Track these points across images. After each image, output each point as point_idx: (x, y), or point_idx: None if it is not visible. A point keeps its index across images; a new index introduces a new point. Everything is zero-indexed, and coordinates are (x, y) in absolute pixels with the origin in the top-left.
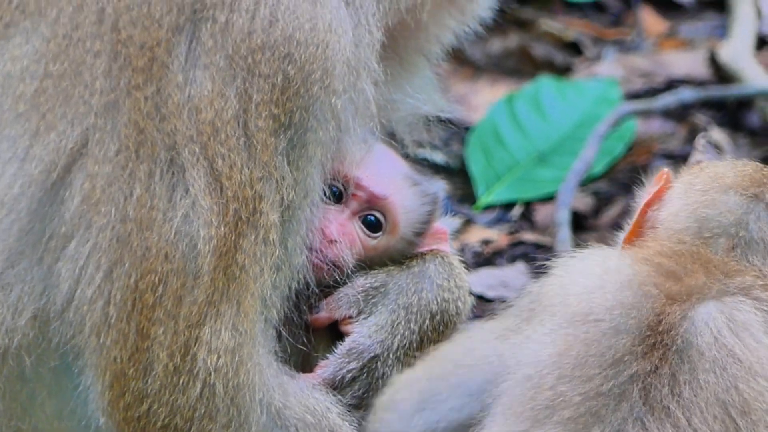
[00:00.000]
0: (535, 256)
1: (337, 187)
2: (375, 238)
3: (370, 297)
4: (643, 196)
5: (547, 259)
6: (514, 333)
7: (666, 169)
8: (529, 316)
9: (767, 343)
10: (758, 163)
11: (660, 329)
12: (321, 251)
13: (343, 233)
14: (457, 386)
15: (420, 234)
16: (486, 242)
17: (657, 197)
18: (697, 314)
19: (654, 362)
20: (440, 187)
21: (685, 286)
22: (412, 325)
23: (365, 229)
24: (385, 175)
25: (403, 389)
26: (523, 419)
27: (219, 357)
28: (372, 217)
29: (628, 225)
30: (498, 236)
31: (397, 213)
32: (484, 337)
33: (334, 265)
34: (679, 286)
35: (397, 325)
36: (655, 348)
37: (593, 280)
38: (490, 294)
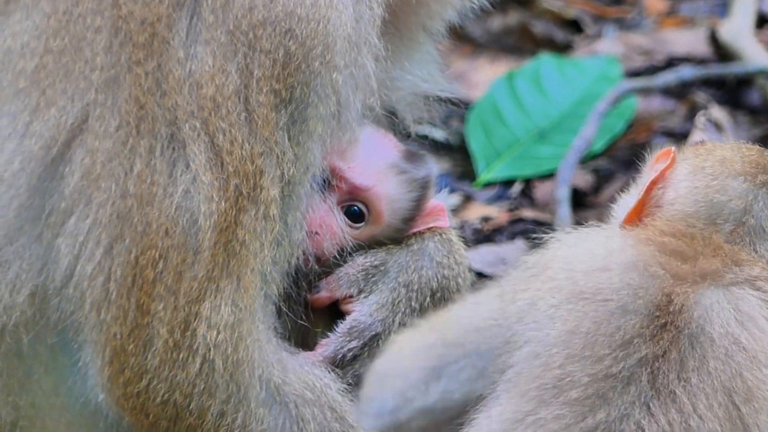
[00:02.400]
0: (535, 233)
1: (322, 177)
2: (357, 228)
3: (370, 276)
4: (647, 173)
5: (547, 236)
6: (519, 295)
7: (672, 147)
8: (529, 284)
9: None
10: (760, 147)
11: (670, 309)
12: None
13: (323, 224)
14: (471, 354)
15: (410, 219)
16: (486, 219)
17: (662, 176)
18: (706, 299)
19: (664, 345)
20: (432, 168)
21: (698, 267)
22: (413, 303)
23: (347, 220)
24: (369, 164)
25: (412, 355)
26: (528, 399)
27: (219, 332)
28: (355, 208)
29: (627, 201)
30: (498, 213)
31: (381, 204)
32: (489, 300)
33: (315, 258)
34: (689, 266)
35: (398, 303)
36: (666, 329)
37: (598, 260)
38: (489, 271)
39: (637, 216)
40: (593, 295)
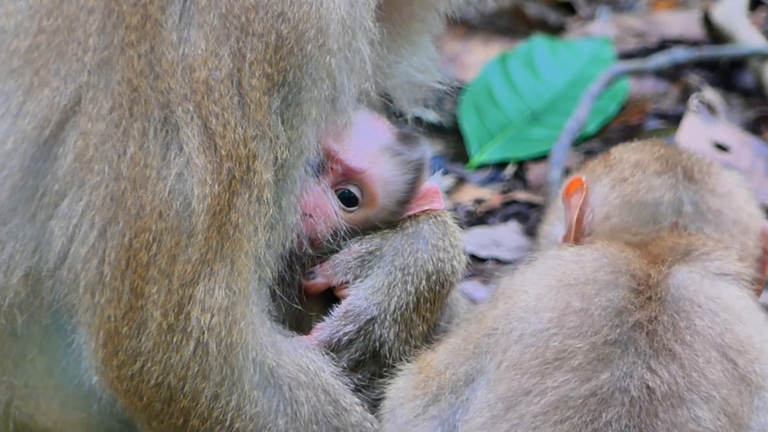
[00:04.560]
0: (528, 215)
1: (316, 160)
2: (351, 211)
3: (365, 261)
4: (561, 205)
5: (540, 218)
6: (489, 314)
7: (578, 176)
8: (497, 303)
9: (742, 296)
10: (658, 141)
11: (650, 283)
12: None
13: (316, 207)
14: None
15: (404, 202)
16: (479, 201)
17: (585, 205)
18: (677, 272)
19: (654, 310)
20: (426, 150)
21: (653, 254)
22: (408, 287)
23: (341, 203)
24: (364, 147)
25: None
26: (531, 375)
27: (212, 316)
28: (348, 192)
29: (550, 232)
30: (491, 195)
31: (375, 186)
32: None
33: (309, 240)
34: (650, 251)
35: (394, 286)
36: (652, 300)
37: (568, 257)
38: (482, 253)
39: (571, 240)
40: (575, 279)
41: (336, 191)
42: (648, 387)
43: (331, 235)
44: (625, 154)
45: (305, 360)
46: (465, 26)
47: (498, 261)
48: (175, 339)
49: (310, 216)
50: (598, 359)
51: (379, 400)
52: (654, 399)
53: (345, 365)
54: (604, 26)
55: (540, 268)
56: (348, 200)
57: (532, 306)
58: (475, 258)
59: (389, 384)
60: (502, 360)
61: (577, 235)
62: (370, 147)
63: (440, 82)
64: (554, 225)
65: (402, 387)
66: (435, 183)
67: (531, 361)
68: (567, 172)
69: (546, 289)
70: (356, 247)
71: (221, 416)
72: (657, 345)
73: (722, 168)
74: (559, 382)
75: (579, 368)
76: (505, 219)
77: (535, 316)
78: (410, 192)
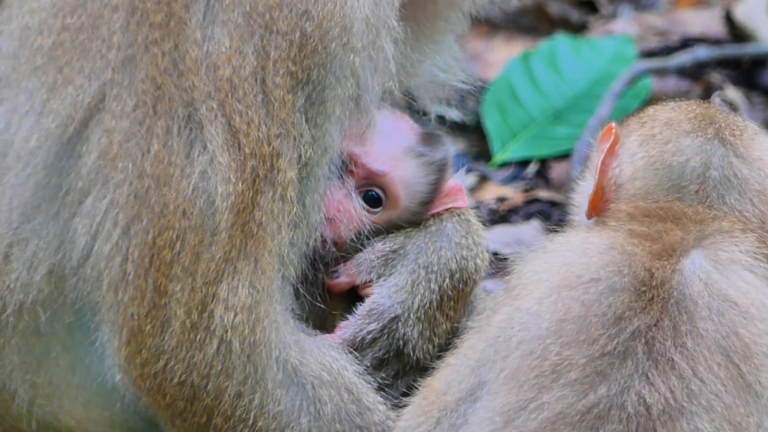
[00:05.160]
0: (551, 214)
1: (340, 162)
2: (375, 213)
3: (389, 260)
4: (594, 155)
5: (562, 217)
6: (496, 313)
7: (612, 123)
8: (504, 301)
9: (757, 284)
10: (698, 101)
11: (654, 284)
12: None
13: (340, 210)
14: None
15: (428, 202)
16: (501, 199)
17: (610, 154)
18: (685, 267)
19: (655, 316)
20: (449, 149)
21: (664, 244)
22: (432, 285)
23: (365, 205)
24: (386, 149)
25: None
26: (528, 388)
27: (236, 314)
28: (372, 193)
29: (585, 188)
30: (513, 193)
31: (398, 188)
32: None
33: (333, 242)
34: (658, 245)
35: (417, 285)
36: (654, 302)
37: (575, 249)
38: (505, 251)
39: (599, 200)
40: (578, 278)
41: (360, 192)
42: (645, 402)
43: (355, 234)
44: (660, 111)
45: (328, 358)
46: (488, 25)
47: None
48: (198, 337)
49: (335, 217)
50: (595, 372)
51: (403, 398)
52: (652, 414)
53: (368, 364)
54: (626, 25)
55: (547, 262)
56: (372, 201)
57: (534, 310)
58: (497, 256)
59: (399, 415)
60: (502, 368)
61: (601, 191)
62: (392, 149)
63: (463, 82)
64: (589, 181)
65: (409, 415)
66: (459, 181)
67: (528, 373)
68: None
69: (548, 291)
70: (380, 246)
71: (244, 414)
72: (656, 354)
73: (757, 132)
74: (556, 398)
75: (576, 382)
76: (528, 217)
77: (535, 321)
78: (433, 192)
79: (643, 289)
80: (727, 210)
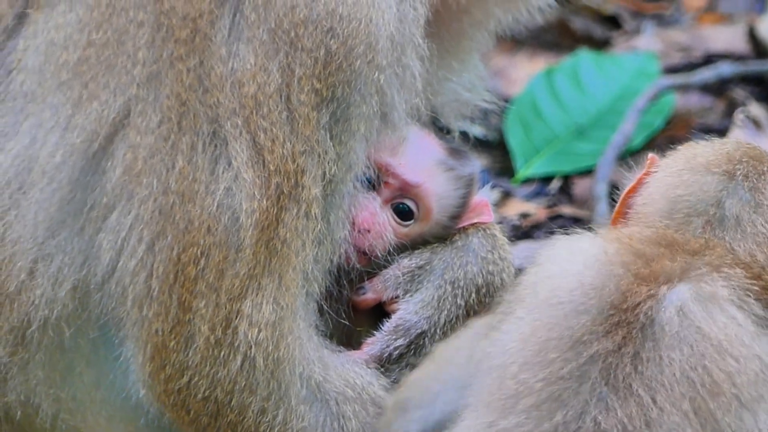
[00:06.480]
0: (574, 230)
1: (369, 175)
2: (407, 225)
3: (415, 276)
4: (628, 181)
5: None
6: (496, 327)
7: (652, 155)
8: (509, 309)
9: (740, 319)
10: (740, 141)
11: (624, 307)
12: (351, 240)
13: (374, 222)
14: (447, 381)
15: (456, 216)
16: (524, 215)
17: (639, 183)
18: (664, 294)
19: (617, 341)
20: (476, 165)
21: (652, 269)
22: (458, 300)
23: (396, 217)
24: (419, 161)
25: (407, 389)
26: (491, 410)
27: (260, 330)
28: (404, 205)
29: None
30: (536, 210)
31: (430, 200)
32: (471, 335)
33: (364, 254)
34: (647, 269)
35: (444, 300)
36: (619, 326)
37: (559, 264)
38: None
39: (617, 221)
40: (549, 299)
41: (391, 206)
42: (601, 428)
43: (382, 249)
44: (693, 145)
45: (352, 374)
46: (511, 41)
47: None
48: (222, 353)
49: (367, 231)
50: (551, 398)
51: None
52: None
53: (395, 379)
54: (649, 41)
55: (536, 275)
56: (403, 214)
57: (507, 328)
58: (521, 272)
59: None
60: (480, 386)
61: (619, 213)
62: (424, 162)
63: (486, 100)
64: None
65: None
66: (484, 196)
67: (493, 395)
68: (613, 186)
69: (526, 309)
70: (406, 262)
71: (268, 430)
72: (614, 380)
73: None
74: (514, 424)
75: (533, 409)
76: (551, 233)
77: (505, 339)
78: (462, 206)
79: (611, 312)
80: (725, 245)
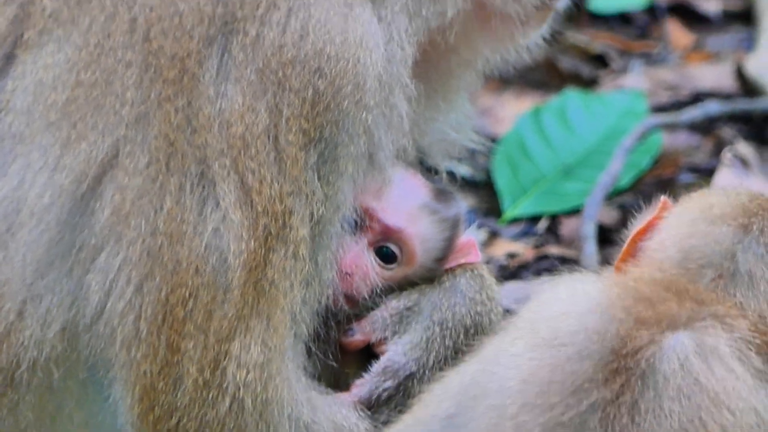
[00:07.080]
0: (561, 270)
1: (354, 218)
2: (390, 269)
3: (403, 317)
4: (638, 222)
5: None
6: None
7: (665, 198)
8: (496, 339)
9: (739, 372)
10: (755, 192)
11: (624, 353)
12: (337, 283)
13: (356, 265)
14: (435, 415)
15: (442, 259)
16: (512, 255)
17: (650, 226)
18: (666, 341)
19: (615, 389)
20: (461, 205)
21: (655, 313)
22: (446, 341)
23: (380, 261)
24: (402, 205)
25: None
26: None
27: (248, 372)
28: (387, 249)
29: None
30: (524, 249)
31: (414, 244)
32: (461, 369)
33: (350, 297)
34: (650, 312)
35: (432, 341)
36: (618, 373)
37: (561, 304)
38: (516, 307)
39: (623, 265)
40: (550, 341)
41: (374, 249)
42: None
43: (368, 291)
44: (708, 193)
45: (339, 417)
46: (498, 80)
47: None
48: (211, 395)
49: (349, 274)
50: None
51: None
52: None
53: (384, 421)
54: (636, 79)
55: (537, 313)
56: (387, 257)
57: (506, 364)
58: (508, 312)
59: None
60: (473, 418)
61: (627, 255)
62: (407, 205)
63: (473, 140)
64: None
65: None
66: (471, 236)
67: (491, 430)
68: (600, 226)
69: (526, 347)
70: (394, 303)
71: None
72: (612, 430)
73: None
74: None
75: None
76: (538, 273)
77: (504, 375)
78: (447, 249)
79: (611, 358)
80: (732, 298)
